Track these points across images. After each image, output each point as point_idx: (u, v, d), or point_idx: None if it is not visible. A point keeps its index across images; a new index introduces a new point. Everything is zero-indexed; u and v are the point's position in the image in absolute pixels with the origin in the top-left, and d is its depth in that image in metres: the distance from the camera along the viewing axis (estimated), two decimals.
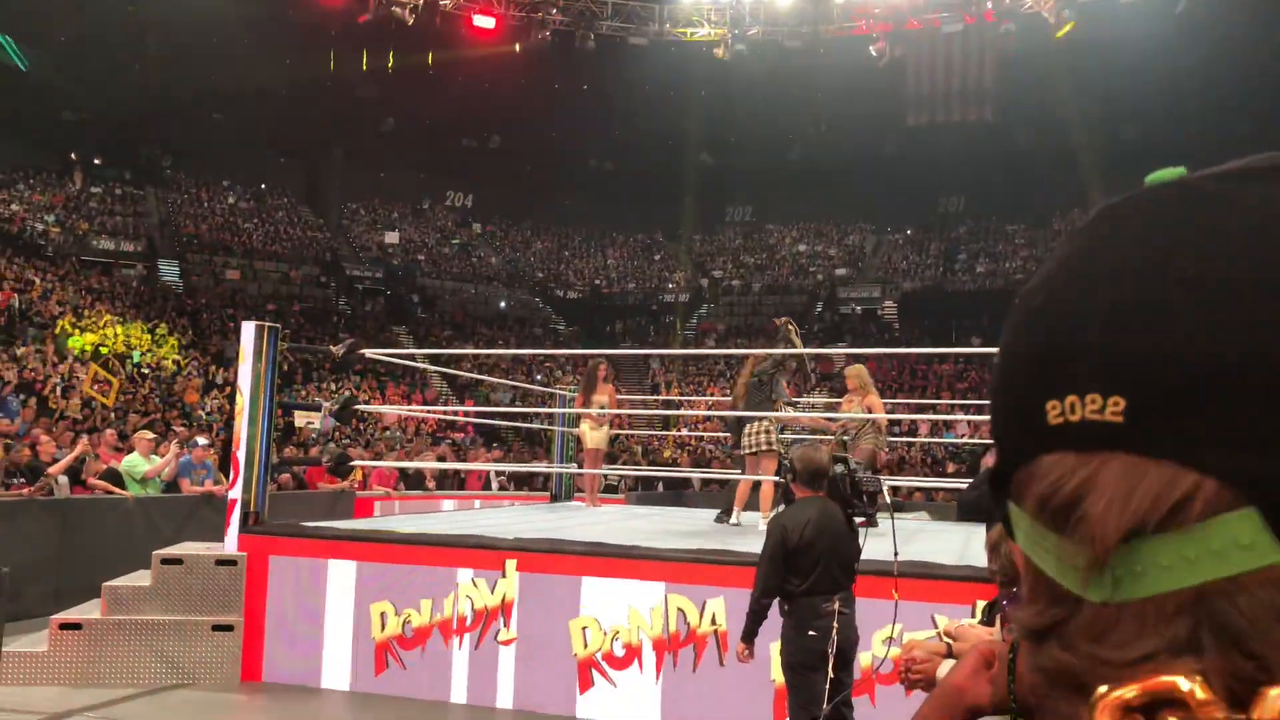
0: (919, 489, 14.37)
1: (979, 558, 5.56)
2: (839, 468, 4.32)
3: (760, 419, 7.48)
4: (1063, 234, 35.80)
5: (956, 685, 1.25)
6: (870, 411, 7.87)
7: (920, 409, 18.67)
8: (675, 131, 38.08)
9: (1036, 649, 0.44)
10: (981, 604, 2.83)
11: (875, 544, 7.13)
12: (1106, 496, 0.41)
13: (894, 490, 7.69)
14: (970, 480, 9.73)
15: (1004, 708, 1.19)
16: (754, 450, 7.51)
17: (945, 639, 2.60)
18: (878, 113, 36.47)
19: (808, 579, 4.24)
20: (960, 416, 18.65)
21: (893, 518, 4.31)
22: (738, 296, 37.48)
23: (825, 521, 4.28)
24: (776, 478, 7.63)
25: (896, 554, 4.39)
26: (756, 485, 7.78)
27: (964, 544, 6.38)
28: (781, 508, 4.53)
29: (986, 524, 3.62)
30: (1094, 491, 0.41)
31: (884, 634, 5.28)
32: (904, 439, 19.51)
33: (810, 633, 4.20)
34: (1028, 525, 0.44)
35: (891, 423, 20.90)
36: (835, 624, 4.21)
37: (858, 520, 4.40)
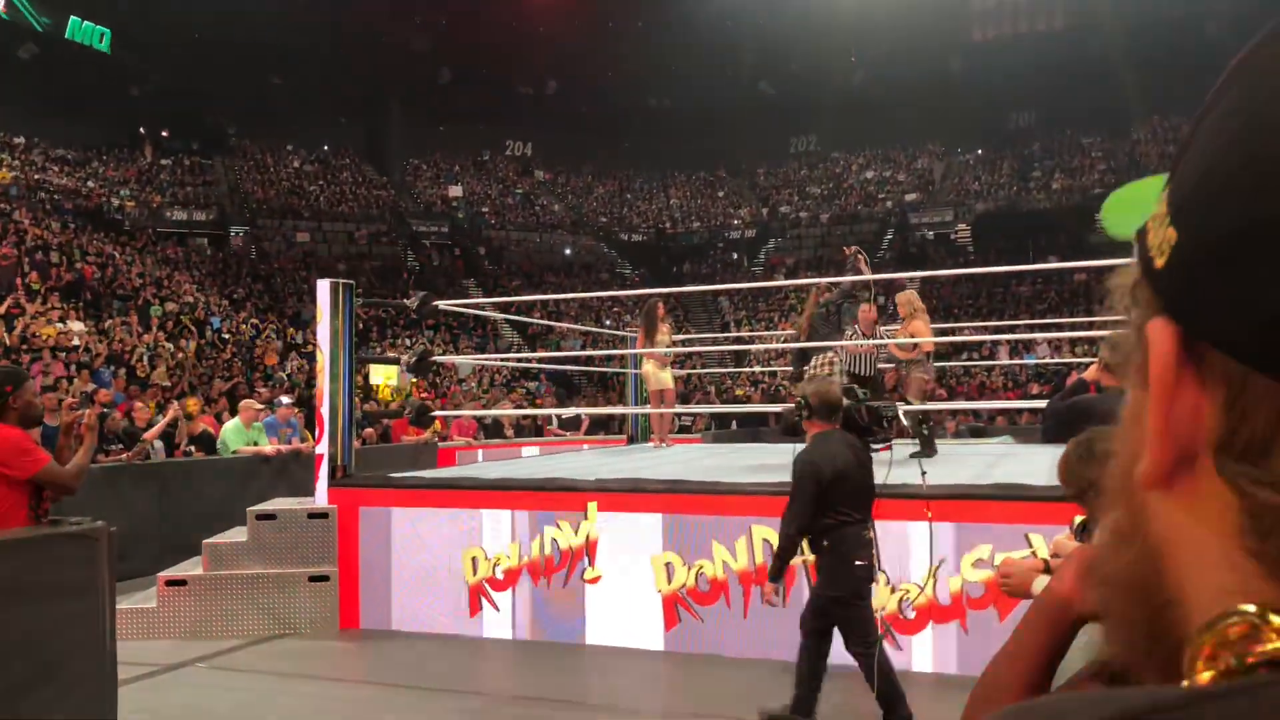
0: (1001, 412, 14.14)
1: None
2: (849, 399, 4.41)
3: (826, 350, 7.34)
4: (1142, 143, 34.60)
5: (1060, 594, 1.21)
6: (914, 337, 7.67)
7: (999, 332, 18.28)
8: (734, 63, 37.40)
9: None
10: (1078, 520, 2.75)
11: (949, 469, 7.04)
12: None
13: (926, 416, 7.54)
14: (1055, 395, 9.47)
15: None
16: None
17: (1050, 557, 2.54)
18: (942, 30, 35.35)
19: (848, 510, 4.27)
20: (1040, 336, 18.23)
21: (926, 441, 4.24)
22: (805, 229, 36.94)
23: (850, 453, 4.32)
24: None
25: (924, 474, 4.43)
26: None
27: (1052, 464, 6.24)
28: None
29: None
30: None
31: (974, 556, 5.23)
32: (984, 363, 19.17)
33: (858, 562, 4.24)
34: None
35: (970, 347, 20.60)
36: (876, 550, 4.30)
37: (878, 447, 4.46)
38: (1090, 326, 12.41)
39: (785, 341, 10.92)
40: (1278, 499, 0.36)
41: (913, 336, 7.66)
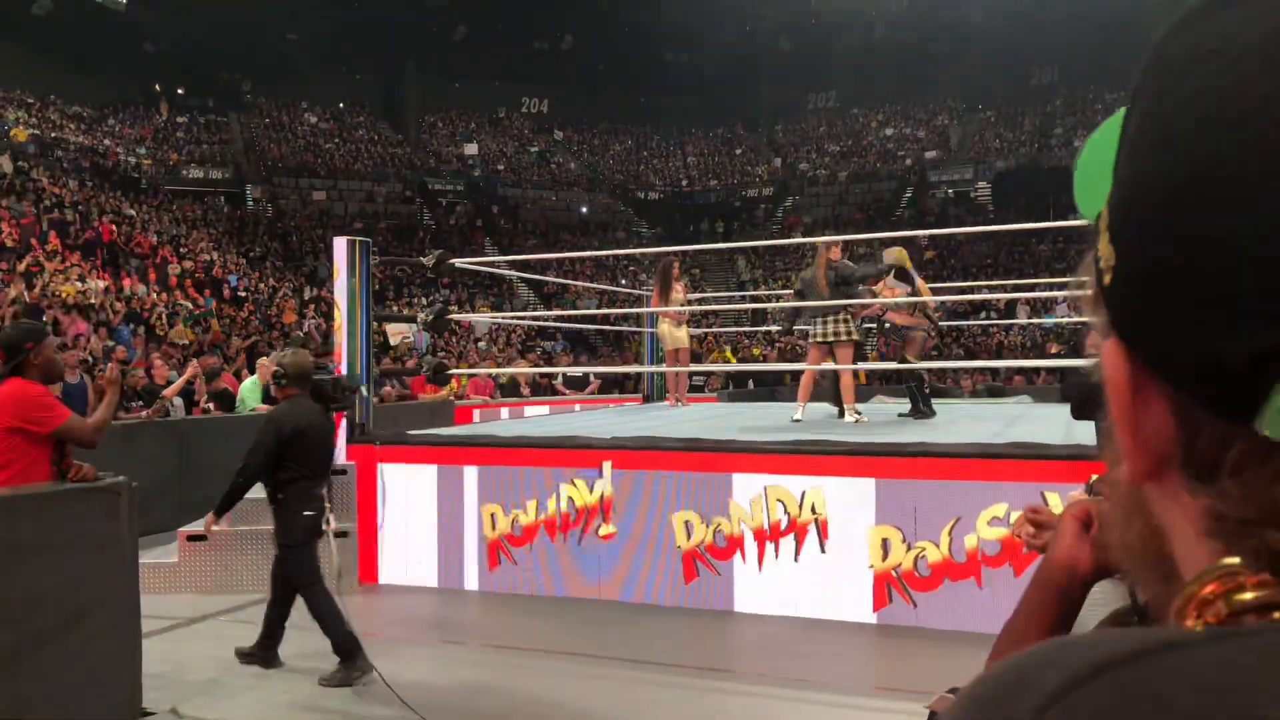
0: (1019, 372, 14.08)
1: (1083, 437, 5.42)
2: (321, 374, 5.09)
3: (839, 309, 7.29)
4: None
5: (1064, 558, 1.20)
6: (916, 294, 7.59)
7: (1018, 291, 18.15)
8: (750, 18, 36.94)
9: (1258, 531, 0.38)
10: (1095, 478, 2.72)
11: (974, 426, 7.02)
12: None
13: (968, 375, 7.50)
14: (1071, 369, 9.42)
15: (1113, 568, 1.14)
16: (831, 339, 7.35)
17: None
18: None
19: (301, 467, 4.76)
20: (1059, 295, 18.10)
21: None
22: (823, 187, 36.66)
23: (313, 416, 4.87)
24: (855, 366, 7.51)
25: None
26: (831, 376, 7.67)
27: (1068, 424, 6.23)
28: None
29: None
30: None
31: (989, 514, 5.23)
32: (1003, 322, 19.07)
33: (305, 513, 4.76)
34: None
35: (989, 305, 20.46)
36: (327, 505, 4.91)
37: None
38: None
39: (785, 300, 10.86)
40: (1231, 515, 0.37)
41: (914, 293, 7.58)
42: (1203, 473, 0.38)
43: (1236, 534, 0.37)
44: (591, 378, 15.28)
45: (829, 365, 7.53)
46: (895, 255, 7.69)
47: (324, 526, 4.86)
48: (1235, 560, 0.37)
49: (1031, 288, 18.29)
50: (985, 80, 36.37)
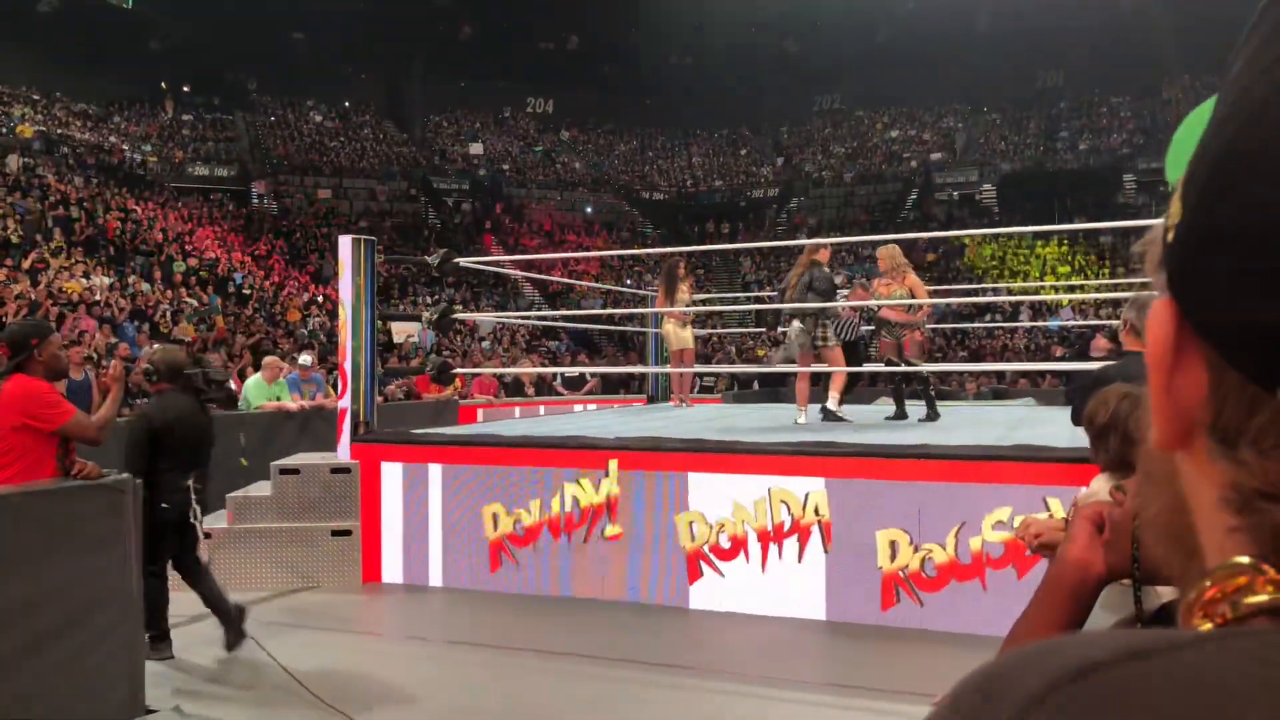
0: (1024, 374, 14.05)
1: (1087, 440, 5.40)
2: (197, 368, 5.31)
3: (815, 314, 7.25)
4: (1173, 104, 33.97)
5: (1077, 560, 1.19)
6: (913, 294, 7.55)
7: (1023, 294, 18.13)
8: (756, 20, 36.91)
9: (1261, 506, 0.38)
10: (1096, 481, 2.73)
11: (977, 431, 7.01)
12: None
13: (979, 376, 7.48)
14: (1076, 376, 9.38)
15: (1124, 572, 1.14)
16: (820, 345, 7.32)
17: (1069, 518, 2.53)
18: None
19: (170, 460, 4.96)
20: (1065, 298, 18.08)
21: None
22: (829, 188, 36.62)
23: (183, 411, 5.06)
24: (847, 369, 7.49)
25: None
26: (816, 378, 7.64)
27: (1072, 427, 6.21)
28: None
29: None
30: None
31: (994, 518, 5.22)
32: (1008, 324, 19.04)
33: (164, 505, 4.92)
34: None
35: (994, 308, 20.44)
36: (192, 497, 5.03)
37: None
38: (1115, 289, 12.28)
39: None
40: (1247, 486, 0.38)
41: (911, 294, 7.53)
42: (1227, 438, 0.38)
43: (1248, 507, 0.38)
44: (588, 377, 15.27)
45: (820, 367, 7.50)
46: (887, 255, 7.67)
47: (191, 519, 5.02)
48: (1245, 560, 0.37)
49: (1036, 290, 18.27)
50: (991, 83, 36.31)
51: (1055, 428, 6.78)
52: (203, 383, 5.18)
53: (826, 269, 7.44)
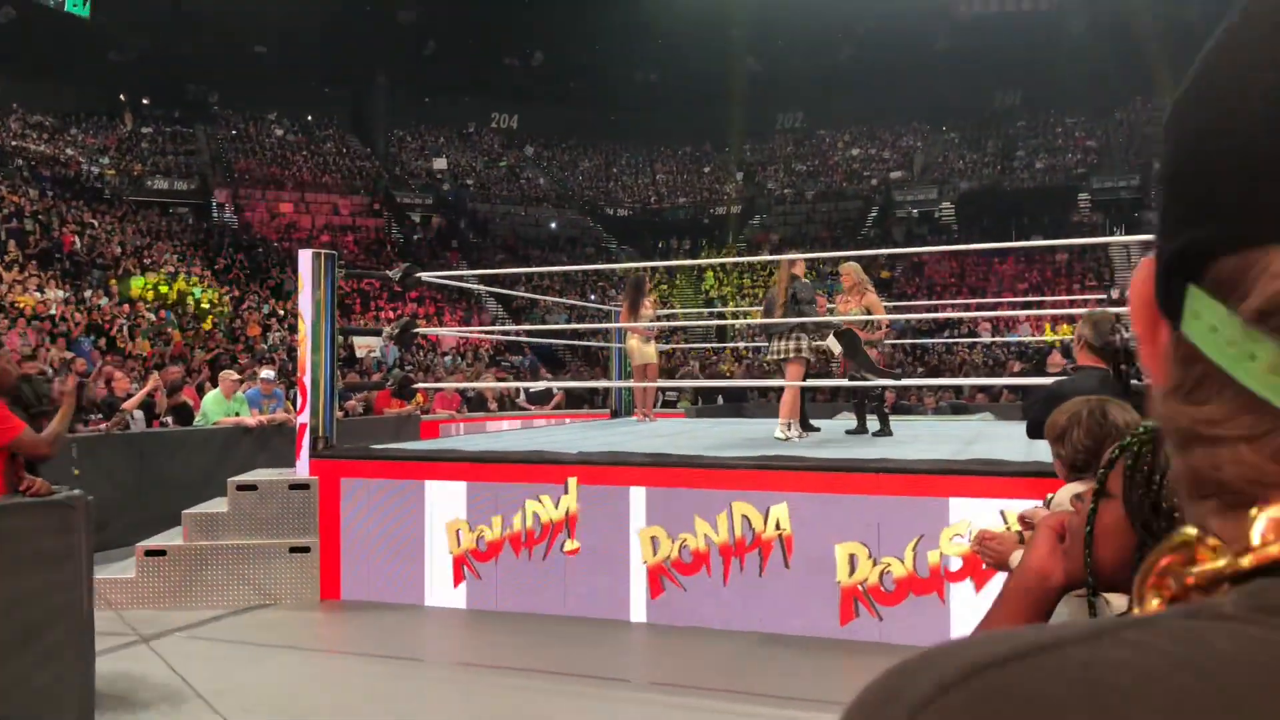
0: (982, 389, 14.22)
1: (1044, 454, 5.48)
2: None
3: (794, 327, 7.30)
4: (1125, 125, 34.66)
5: (1037, 569, 1.22)
6: (869, 311, 7.65)
7: (981, 310, 18.34)
8: (720, 37, 37.20)
9: (1189, 450, 0.39)
10: (1051, 496, 2.77)
11: (935, 445, 7.09)
12: None
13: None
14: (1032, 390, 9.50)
15: (1080, 580, 1.16)
16: (783, 356, 7.36)
17: (1019, 528, 2.56)
18: (928, 7, 35.25)
19: None
20: (1022, 314, 18.33)
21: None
22: (791, 205, 36.93)
23: None
24: (800, 383, 7.53)
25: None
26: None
27: (1029, 442, 6.30)
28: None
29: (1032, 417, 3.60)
30: None
31: (951, 531, 5.27)
32: (966, 340, 19.27)
33: None
34: (1225, 321, 0.37)
35: (953, 324, 20.68)
36: None
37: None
38: (1071, 305, 12.47)
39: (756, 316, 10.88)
40: (1172, 429, 0.38)
41: (868, 311, 7.63)
42: (1178, 392, 0.39)
43: (1177, 451, 0.38)
44: (554, 391, 15.24)
45: (794, 382, 7.54)
46: (850, 272, 7.77)
47: None
48: (1192, 532, 0.37)
49: (994, 307, 18.51)
50: (949, 103, 36.85)
51: (1011, 442, 6.86)
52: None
53: (805, 280, 7.52)
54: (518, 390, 15.07)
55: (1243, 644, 0.31)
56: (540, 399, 15.03)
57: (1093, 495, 1.10)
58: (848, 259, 8.09)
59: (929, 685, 0.33)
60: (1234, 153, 0.35)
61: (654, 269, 19.38)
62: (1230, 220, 0.36)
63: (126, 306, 18.15)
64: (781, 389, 7.74)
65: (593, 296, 26.92)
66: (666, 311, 13.58)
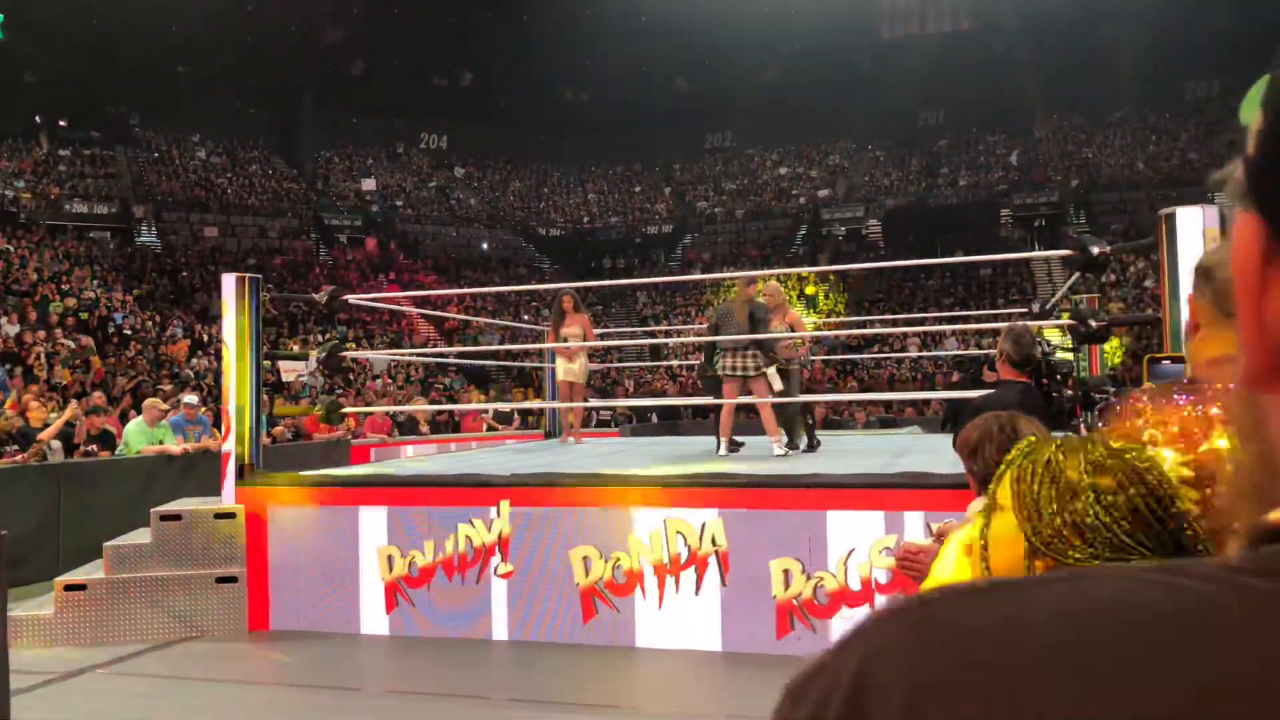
0: (910, 403, 14.46)
1: None
2: None
3: (751, 344, 7.39)
4: (1044, 141, 35.65)
5: (946, 580, 1.26)
6: (794, 329, 7.80)
7: (909, 325, 18.69)
8: (649, 58, 37.49)
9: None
10: (972, 506, 2.83)
11: (864, 459, 7.19)
12: None
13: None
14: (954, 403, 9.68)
15: None
16: (744, 374, 7.43)
17: (936, 540, 2.63)
18: (853, 29, 35.98)
19: None
20: (948, 328, 18.70)
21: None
22: (721, 224, 37.27)
23: None
24: (771, 399, 7.62)
25: None
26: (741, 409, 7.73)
27: (954, 454, 6.43)
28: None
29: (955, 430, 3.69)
30: None
31: (882, 544, 5.36)
32: (895, 354, 19.60)
33: None
34: None
35: (881, 339, 21.03)
36: None
37: None
38: (996, 319, 12.78)
39: (697, 334, 10.96)
40: None
41: (791, 329, 7.77)
42: None
43: None
44: (515, 414, 15.19)
45: (747, 399, 7.59)
46: (773, 290, 7.92)
47: None
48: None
49: (922, 321, 18.87)
50: (875, 122, 37.57)
51: (938, 455, 7.00)
52: None
53: (760, 299, 7.61)
54: (453, 413, 14.96)
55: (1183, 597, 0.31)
56: (505, 420, 14.93)
57: (984, 509, 1.18)
58: (775, 277, 8.20)
59: (879, 611, 0.36)
60: None
61: (585, 288, 19.36)
62: None
63: (44, 334, 17.61)
64: (719, 407, 7.79)
65: (526, 317, 26.84)
66: (600, 330, 13.58)
